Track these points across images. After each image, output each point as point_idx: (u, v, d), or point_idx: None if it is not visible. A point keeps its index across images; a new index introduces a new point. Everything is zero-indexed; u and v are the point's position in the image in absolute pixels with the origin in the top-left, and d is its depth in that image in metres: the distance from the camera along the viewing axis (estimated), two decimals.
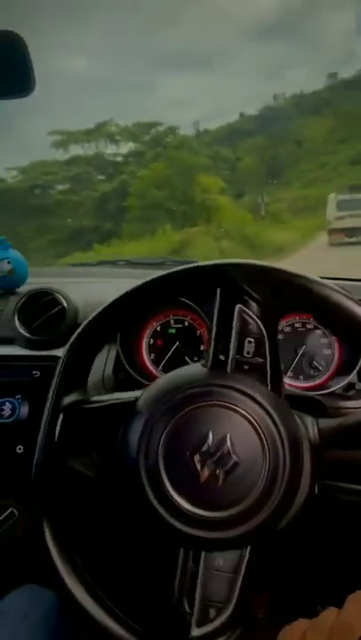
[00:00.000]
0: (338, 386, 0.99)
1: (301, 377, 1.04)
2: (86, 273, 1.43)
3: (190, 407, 0.60)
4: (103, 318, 0.67)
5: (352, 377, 0.99)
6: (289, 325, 1.06)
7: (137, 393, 0.68)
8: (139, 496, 0.59)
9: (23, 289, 1.12)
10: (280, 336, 1.05)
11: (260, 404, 0.60)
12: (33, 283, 1.13)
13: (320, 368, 1.03)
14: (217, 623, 0.60)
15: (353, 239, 11.94)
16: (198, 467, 0.58)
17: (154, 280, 0.66)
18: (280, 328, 1.05)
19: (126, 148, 27.97)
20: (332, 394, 0.98)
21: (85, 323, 0.68)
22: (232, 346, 0.65)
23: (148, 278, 0.66)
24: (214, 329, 0.66)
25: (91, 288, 1.13)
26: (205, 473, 0.58)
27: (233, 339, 0.65)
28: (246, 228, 16.65)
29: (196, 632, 0.59)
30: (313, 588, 0.65)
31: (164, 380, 0.67)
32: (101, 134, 26.28)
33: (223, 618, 0.60)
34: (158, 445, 0.59)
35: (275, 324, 0.68)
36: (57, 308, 1.04)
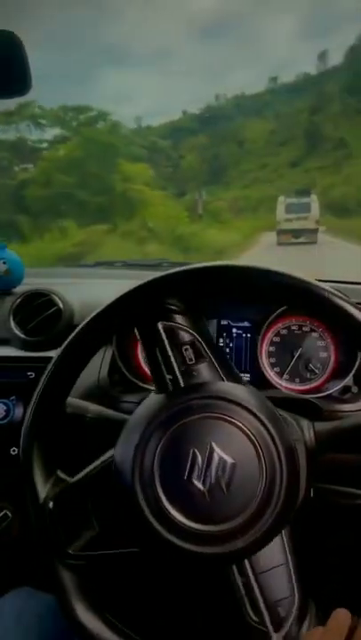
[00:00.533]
0: (334, 389, 0.98)
1: (298, 380, 1.03)
2: (83, 274, 1.43)
3: (175, 425, 0.59)
4: (100, 320, 0.66)
5: (348, 380, 0.98)
6: (285, 328, 1.04)
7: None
8: (134, 511, 0.58)
9: (19, 289, 1.12)
10: (277, 338, 1.05)
11: (248, 409, 0.59)
12: (29, 283, 1.13)
13: (316, 371, 1.02)
14: (291, 619, 0.60)
15: (300, 239, 13.47)
16: (194, 480, 0.57)
17: (148, 283, 0.65)
18: (277, 330, 1.05)
19: (52, 133, 25.10)
20: (329, 397, 0.97)
21: (82, 324, 0.67)
22: (173, 361, 0.65)
23: (143, 281, 0.66)
24: (147, 357, 0.68)
25: (87, 289, 1.13)
26: (201, 486, 0.57)
27: (170, 354, 0.65)
28: (181, 227, 14.95)
29: (276, 638, 0.59)
30: (309, 591, 0.63)
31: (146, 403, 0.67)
32: (23, 117, 22.38)
33: (294, 610, 0.60)
34: (153, 461, 0.58)
35: (200, 319, 0.69)
36: (53, 309, 1.04)
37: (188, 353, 0.65)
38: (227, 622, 0.64)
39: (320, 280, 0.62)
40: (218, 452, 0.58)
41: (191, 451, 0.58)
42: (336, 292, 0.60)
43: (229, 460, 0.57)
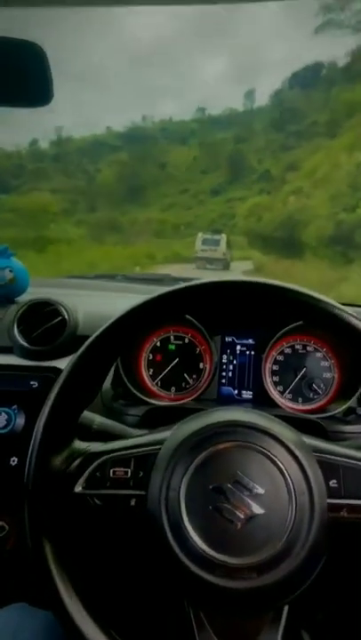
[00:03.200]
0: (337, 410, 1.00)
1: (300, 399, 1.05)
2: (84, 285, 1.42)
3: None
4: (111, 332, 0.65)
5: (352, 401, 1.00)
6: (290, 347, 1.07)
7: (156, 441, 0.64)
8: (153, 518, 0.57)
9: (23, 298, 1.10)
10: (280, 357, 1.08)
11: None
12: (31, 292, 1.12)
13: (319, 391, 1.04)
14: None
15: (212, 266, 17.33)
16: (220, 505, 0.56)
17: (162, 296, 0.65)
18: (281, 349, 1.07)
19: None
20: (332, 417, 0.99)
21: (94, 336, 0.65)
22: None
23: (156, 294, 0.65)
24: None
25: (90, 300, 1.12)
26: (228, 516, 0.56)
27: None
28: None
29: None
30: (312, 598, 0.65)
31: (184, 426, 0.64)
32: None
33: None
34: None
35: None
36: (57, 319, 1.03)
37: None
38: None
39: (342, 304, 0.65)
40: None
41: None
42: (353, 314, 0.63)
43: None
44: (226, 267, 18.00)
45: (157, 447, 0.62)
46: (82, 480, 0.61)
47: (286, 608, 0.58)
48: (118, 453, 0.63)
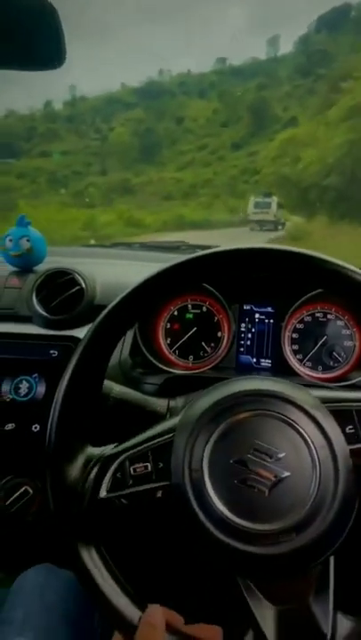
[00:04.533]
0: (358, 379, 0.98)
1: (320, 367, 1.04)
2: (101, 254, 1.40)
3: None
4: (128, 302, 0.64)
5: None
6: (310, 315, 1.06)
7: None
8: (182, 503, 0.58)
9: (41, 267, 1.10)
10: (300, 325, 1.06)
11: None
12: (49, 262, 1.12)
13: (340, 359, 1.03)
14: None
15: (265, 228, 18.67)
16: (244, 477, 0.56)
17: (179, 264, 0.64)
18: (301, 317, 1.06)
19: None
20: (352, 386, 0.98)
21: (111, 305, 0.65)
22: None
23: (174, 262, 0.64)
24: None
25: (107, 269, 1.11)
26: (251, 483, 0.56)
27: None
28: None
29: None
30: (355, 554, 0.65)
31: (199, 399, 0.64)
32: None
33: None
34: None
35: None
36: (75, 289, 1.03)
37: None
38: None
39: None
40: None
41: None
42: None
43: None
44: (276, 228, 18.69)
45: (171, 435, 0.62)
46: (105, 485, 0.61)
47: (333, 560, 0.59)
48: (135, 450, 0.62)
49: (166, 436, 0.62)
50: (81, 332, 0.98)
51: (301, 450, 0.57)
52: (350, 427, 0.60)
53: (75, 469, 0.63)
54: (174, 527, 0.60)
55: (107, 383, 0.79)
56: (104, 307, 0.65)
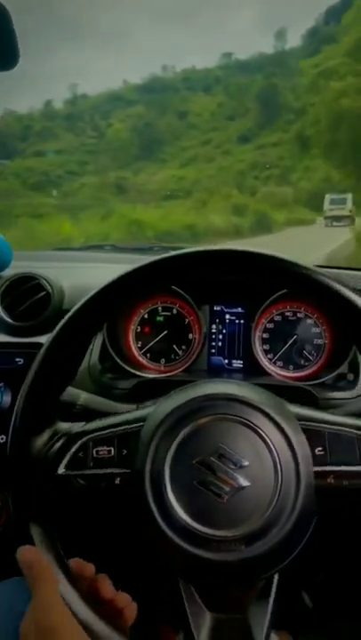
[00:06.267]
0: (328, 376, 0.98)
1: (291, 367, 1.03)
2: (71, 257, 1.39)
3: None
4: (92, 305, 0.63)
5: (343, 367, 0.98)
6: (279, 314, 1.04)
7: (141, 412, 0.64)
8: (139, 494, 0.57)
9: (6, 273, 1.08)
10: (270, 325, 1.05)
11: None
12: (16, 267, 1.10)
13: (310, 358, 1.02)
14: None
15: (340, 223, 20.07)
16: (204, 479, 0.55)
17: (145, 266, 0.63)
18: (271, 317, 1.05)
19: None
20: (323, 384, 0.97)
21: (75, 308, 0.63)
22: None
23: (139, 264, 0.63)
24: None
25: (77, 273, 1.10)
26: (214, 490, 0.55)
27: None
28: None
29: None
30: (310, 561, 0.64)
31: (165, 402, 0.63)
32: None
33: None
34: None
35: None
36: (41, 294, 1.01)
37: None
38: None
39: (320, 266, 0.62)
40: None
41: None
42: (335, 278, 0.60)
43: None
44: (352, 223, 19.87)
45: (140, 424, 0.61)
46: (65, 461, 0.61)
47: (277, 576, 0.58)
48: (101, 432, 0.62)
49: (134, 425, 0.61)
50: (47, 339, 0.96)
51: (265, 460, 0.56)
52: (320, 448, 0.59)
53: (39, 441, 0.62)
54: (127, 516, 0.60)
55: (73, 391, 0.78)
56: None
